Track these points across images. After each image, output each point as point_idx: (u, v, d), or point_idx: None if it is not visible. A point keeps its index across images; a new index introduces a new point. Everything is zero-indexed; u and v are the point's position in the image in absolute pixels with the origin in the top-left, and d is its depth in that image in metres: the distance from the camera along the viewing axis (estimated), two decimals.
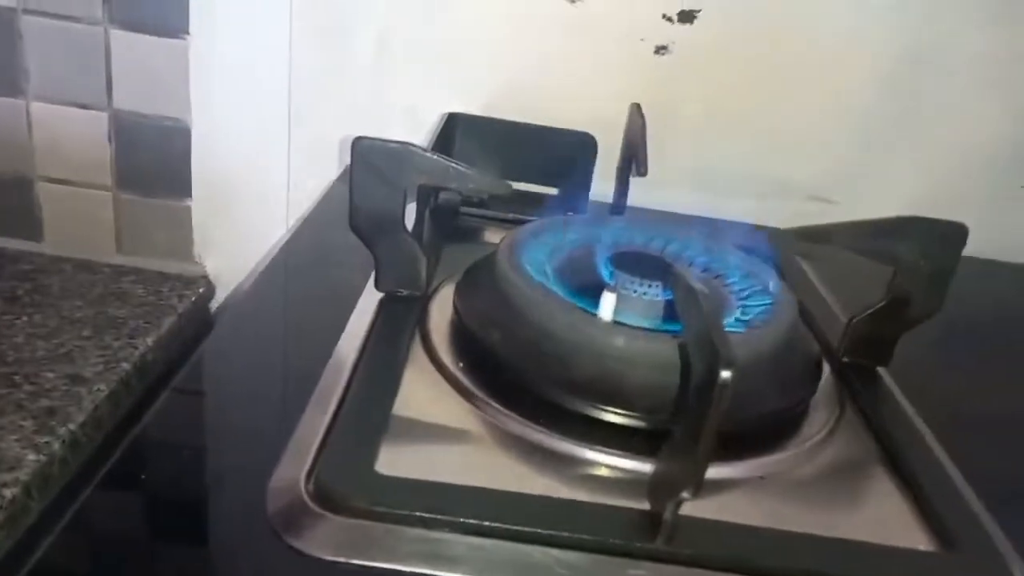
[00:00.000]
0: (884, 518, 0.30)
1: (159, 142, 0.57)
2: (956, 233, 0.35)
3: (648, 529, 0.26)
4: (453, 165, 0.34)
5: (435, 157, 0.34)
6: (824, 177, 0.56)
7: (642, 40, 0.53)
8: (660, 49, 0.53)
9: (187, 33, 0.54)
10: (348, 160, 0.57)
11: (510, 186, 0.35)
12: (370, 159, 0.34)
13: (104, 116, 0.56)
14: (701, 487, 0.24)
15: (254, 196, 0.59)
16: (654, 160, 0.52)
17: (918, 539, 0.28)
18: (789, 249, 0.49)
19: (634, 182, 0.52)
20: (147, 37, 0.54)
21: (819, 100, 0.55)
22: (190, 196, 0.58)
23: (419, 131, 0.54)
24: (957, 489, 0.30)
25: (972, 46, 0.53)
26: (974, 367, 0.43)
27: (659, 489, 0.26)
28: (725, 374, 0.22)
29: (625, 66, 0.53)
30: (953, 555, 0.27)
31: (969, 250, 0.56)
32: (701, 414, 0.23)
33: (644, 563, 0.25)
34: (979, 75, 0.54)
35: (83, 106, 0.56)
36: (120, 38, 0.54)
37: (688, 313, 0.26)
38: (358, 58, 0.55)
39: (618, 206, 0.47)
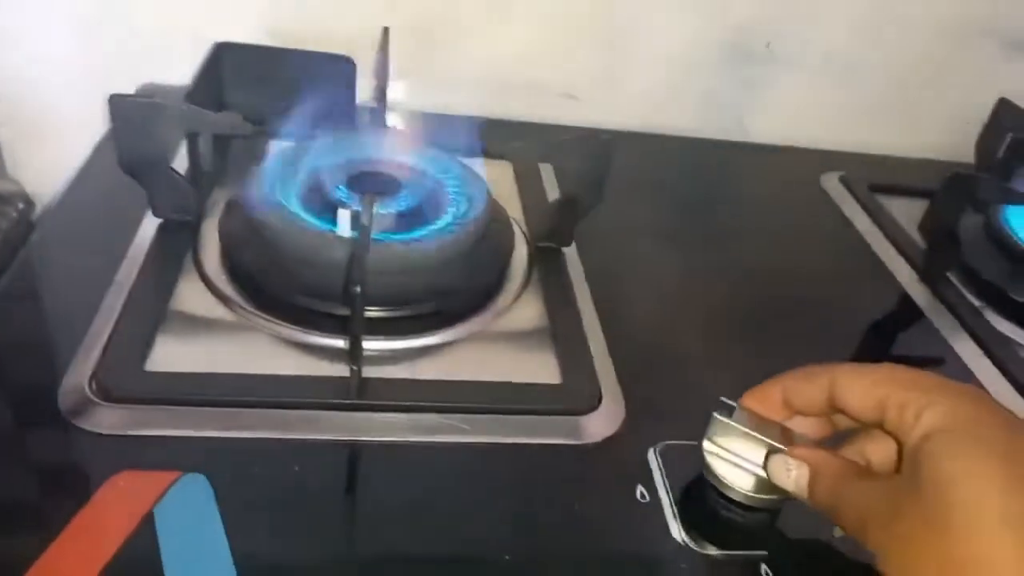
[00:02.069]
0: (535, 366, 0.41)
1: None
2: (605, 146, 0.45)
3: (346, 389, 0.37)
4: (196, 113, 0.42)
5: (180, 107, 0.42)
6: (571, 78, 0.66)
7: None
8: None
9: None
10: (139, 83, 0.62)
11: (249, 126, 0.43)
12: (126, 114, 0.41)
13: None
14: (360, 357, 0.35)
15: (57, 117, 0.63)
16: (429, 68, 0.61)
17: (552, 378, 0.41)
18: (531, 156, 0.58)
19: (417, 87, 0.61)
20: None
21: (560, 14, 0.63)
22: None
23: (202, 53, 0.59)
24: (588, 343, 0.43)
25: None
26: (655, 241, 0.55)
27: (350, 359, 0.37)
28: (355, 289, 0.33)
29: None
30: (565, 383, 0.40)
31: (688, 132, 0.68)
32: (354, 307, 0.34)
33: (343, 413, 0.37)
34: None
35: None
36: None
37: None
38: None
39: (377, 122, 0.55)
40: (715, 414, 0.33)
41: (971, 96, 0.68)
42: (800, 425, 0.33)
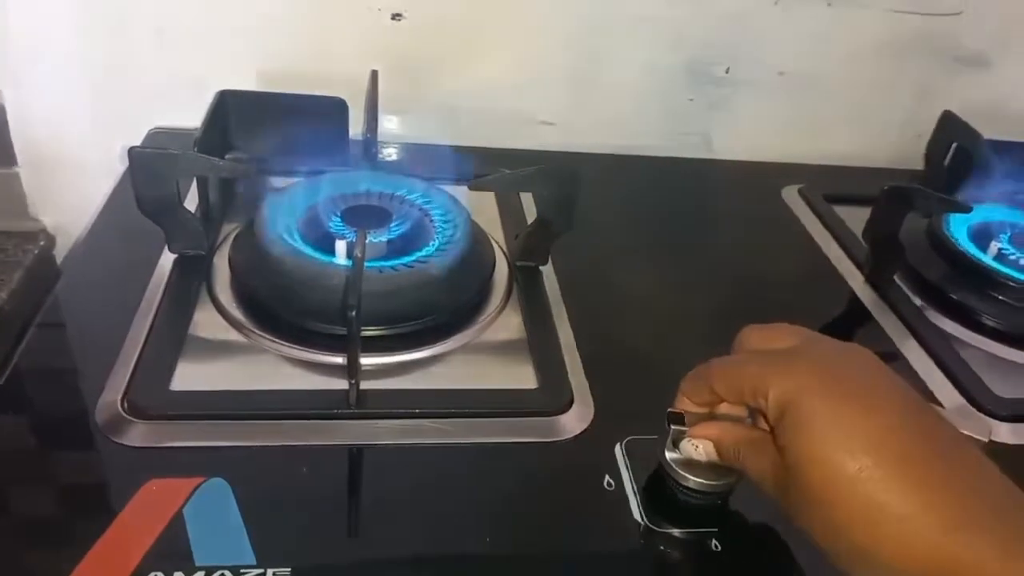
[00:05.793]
0: (515, 374, 0.46)
1: None
2: (572, 176, 0.50)
3: (346, 400, 0.42)
4: (204, 159, 0.47)
5: (190, 155, 0.47)
6: (546, 106, 0.71)
7: (379, 9, 0.64)
8: (396, 16, 0.65)
9: None
10: (149, 126, 0.67)
11: (251, 168, 0.48)
12: (144, 164, 0.46)
13: None
14: (357, 372, 0.40)
15: (74, 159, 0.68)
16: (415, 105, 0.67)
17: (530, 384, 0.46)
18: (509, 186, 0.63)
19: (405, 122, 0.67)
20: None
21: (533, 49, 0.69)
22: (16, 164, 0.67)
23: (206, 98, 0.64)
24: (561, 351, 0.48)
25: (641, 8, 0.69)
26: (626, 256, 0.60)
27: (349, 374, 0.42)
28: (350, 312, 0.38)
29: (370, 32, 0.65)
30: (540, 388, 0.45)
31: (656, 152, 0.73)
32: (350, 328, 0.39)
33: (344, 422, 0.42)
34: (646, 27, 0.69)
35: None
36: None
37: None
38: (140, 38, 0.64)
39: (369, 157, 0.60)
40: (685, 441, 0.38)
41: (919, 108, 0.73)
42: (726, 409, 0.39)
